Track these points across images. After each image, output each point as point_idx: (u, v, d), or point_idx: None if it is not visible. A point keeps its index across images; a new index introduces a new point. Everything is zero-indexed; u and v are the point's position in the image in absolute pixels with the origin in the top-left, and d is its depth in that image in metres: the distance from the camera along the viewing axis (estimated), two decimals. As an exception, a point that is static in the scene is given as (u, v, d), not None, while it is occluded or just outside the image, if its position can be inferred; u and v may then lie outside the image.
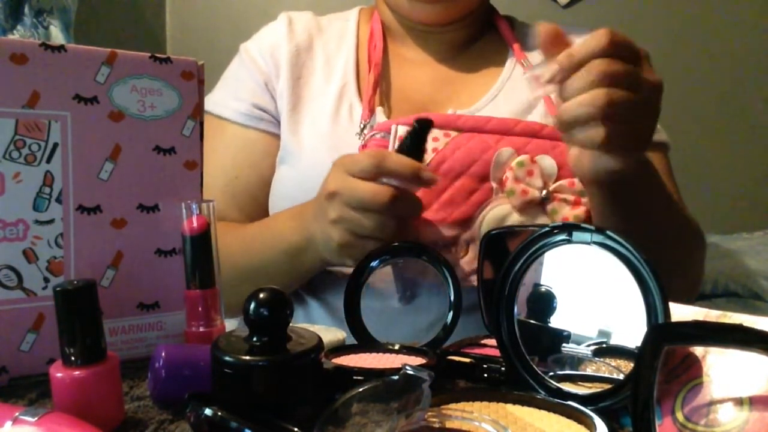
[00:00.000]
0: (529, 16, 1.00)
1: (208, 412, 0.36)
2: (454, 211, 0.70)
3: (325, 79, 0.85)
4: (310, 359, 0.41)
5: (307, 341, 0.42)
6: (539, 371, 0.46)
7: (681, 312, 0.42)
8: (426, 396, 0.37)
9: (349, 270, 0.58)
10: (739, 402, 0.35)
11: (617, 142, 0.55)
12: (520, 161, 0.70)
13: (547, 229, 0.46)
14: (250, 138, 0.85)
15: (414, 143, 0.63)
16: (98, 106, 0.53)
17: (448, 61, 0.87)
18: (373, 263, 0.57)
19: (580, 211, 0.70)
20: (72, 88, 0.52)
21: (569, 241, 0.46)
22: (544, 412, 0.42)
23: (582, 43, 0.54)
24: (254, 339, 0.41)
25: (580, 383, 0.45)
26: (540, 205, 0.71)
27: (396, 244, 0.59)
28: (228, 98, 0.86)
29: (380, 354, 0.52)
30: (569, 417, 0.41)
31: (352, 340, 0.56)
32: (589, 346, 0.47)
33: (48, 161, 0.51)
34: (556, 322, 0.49)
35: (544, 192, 0.71)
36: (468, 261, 0.70)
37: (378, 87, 0.82)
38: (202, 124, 0.58)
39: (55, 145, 0.51)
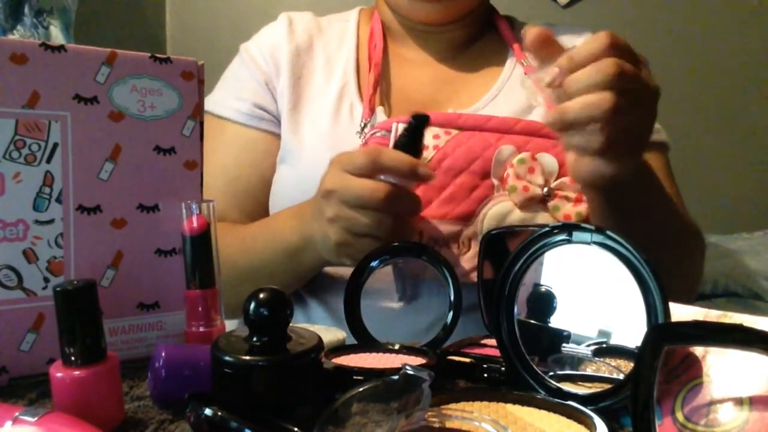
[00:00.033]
0: (529, 16, 1.00)
1: (208, 412, 0.36)
2: (455, 208, 0.70)
3: (325, 78, 0.85)
4: (310, 359, 0.41)
5: (307, 341, 0.42)
6: (539, 371, 0.46)
7: (681, 312, 0.42)
8: (426, 396, 0.37)
9: (349, 270, 0.58)
10: (739, 402, 0.35)
11: (614, 147, 0.55)
12: (521, 158, 0.71)
13: (547, 229, 0.46)
14: (252, 137, 0.85)
15: (411, 139, 0.62)
16: (98, 106, 0.53)
17: (448, 61, 0.87)
18: (373, 263, 0.57)
19: (582, 208, 0.70)
20: (72, 88, 0.52)
21: (569, 241, 0.46)
22: (544, 412, 0.42)
23: (583, 45, 0.54)
24: (254, 339, 0.41)
25: (580, 383, 0.45)
26: (541, 202, 0.71)
27: (396, 244, 0.59)
28: (229, 98, 0.86)
29: (380, 354, 0.52)
30: (569, 417, 0.41)
31: (352, 340, 0.56)
32: (589, 346, 0.47)
33: (48, 161, 0.51)
34: (556, 322, 0.49)
35: (545, 189, 0.71)
36: (470, 257, 0.70)
37: (378, 86, 0.82)
38: (202, 124, 0.58)
39: (55, 145, 0.51)
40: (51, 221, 0.51)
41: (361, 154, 0.60)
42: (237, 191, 0.85)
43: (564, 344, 0.48)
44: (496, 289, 0.48)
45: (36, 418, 0.37)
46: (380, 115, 0.79)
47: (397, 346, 0.53)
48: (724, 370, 0.36)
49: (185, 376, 0.45)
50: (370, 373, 0.45)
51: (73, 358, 0.41)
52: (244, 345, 0.41)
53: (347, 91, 0.83)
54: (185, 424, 0.43)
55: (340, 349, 0.53)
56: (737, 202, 1.83)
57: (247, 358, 0.40)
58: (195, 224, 0.53)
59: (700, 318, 0.41)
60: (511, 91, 0.83)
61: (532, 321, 0.49)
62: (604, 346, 0.46)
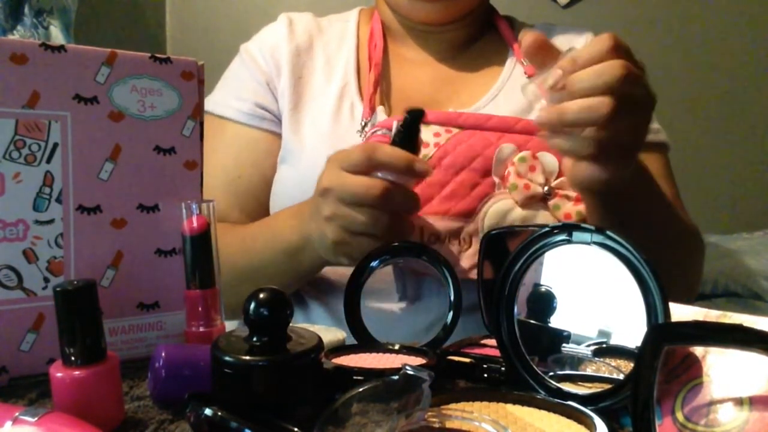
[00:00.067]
0: (529, 16, 1.00)
1: (208, 412, 0.36)
2: (456, 204, 0.70)
3: (325, 79, 0.85)
4: (310, 359, 0.41)
5: (307, 341, 0.42)
6: (539, 371, 0.46)
7: (681, 312, 0.42)
8: (426, 396, 0.37)
9: (349, 270, 0.57)
10: (739, 402, 0.35)
11: (606, 151, 0.55)
12: (521, 157, 0.71)
13: (547, 229, 0.47)
14: (253, 137, 0.85)
15: (407, 134, 0.61)
16: (98, 106, 0.53)
17: (449, 61, 0.87)
18: (373, 263, 0.57)
19: (583, 207, 0.70)
20: (72, 88, 0.52)
21: (569, 241, 0.46)
22: (544, 412, 0.42)
23: (586, 47, 0.54)
24: (254, 339, 0.41)
25: (580, 383, 0.45)
26: (542, 200, 0.71)
27: (396, 244, 0.59)
28: (229, 98, 0.86)
29: (380, 354, 0.52)
30: (569, 417, 0.41)
31: (352, 340, 0.56)
32: (589, 346, 0.47)
33: (48, 161, 0.51)
34: (556, 322, 0.49)
35: (546, 188, 0.71)
36: (471, 254, 0.70)
37: (378, 86, 0.82)
38: (202, 124, 0.58)
39: (55, 145, 0.51)
40: (51, 221, 0.51)
41: (357, 150, 0.60)
42: (238, 191, 0.85)
43: (564, 344, 0.48)
44: (496, 289, 0.48)
45: (36, 418, 0.37)
46: (381, 114, 0.79)
47: (397, 346, 0.53)
48: (724, 370, 0.36)
49: (185, 376, 0.45)
50: (370, 373, 0.45)
51: (73, 358, 0.41)
52: (244, 345, 0.41)
53: (348, 91, 0.83)
54: (185, 424, 0.43)
55: (340, 349, 0.53)
56: (737, 202, 1.83)
57: (247, 358, 0.40)
58: (195, 224, 0.53)
59: (700, 318, 0.41)
60: (511, 90, 0.83)
61: (532, 321, 0.49)
62: (604, 346, 0.46)
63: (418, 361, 0.49)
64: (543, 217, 0.71)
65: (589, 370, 0.46)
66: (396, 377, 0.38)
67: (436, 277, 0.58)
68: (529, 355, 0.47)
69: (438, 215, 0.70)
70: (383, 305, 0.74)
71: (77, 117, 0.52)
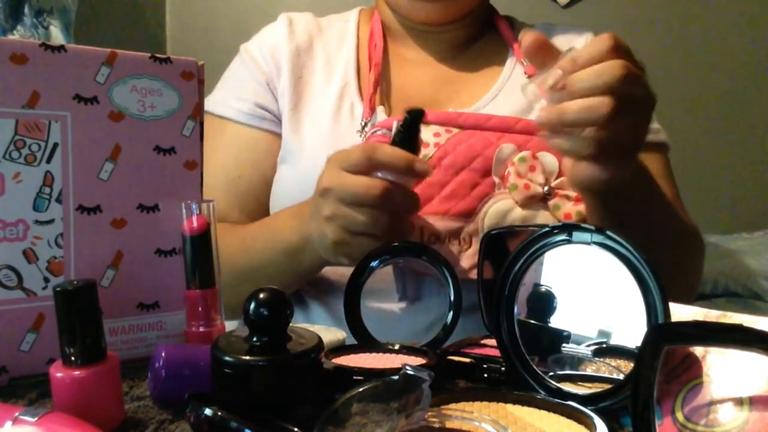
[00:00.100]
0: (529, 16, 1.00)
1: (208, 412, 0.36)
2: (456, 204, 0.70)
3: (325, 79, 0.85)
4: (310, 359, 0.41)
5: (307, 341, 0.42)
6: (539, 371, 0.46)
7: (681, 312, 0.42)
8: (426, 396, 0.37)
9: (349, 271, 0.57)
10: (739, 402, 0.35)
11: (606, 151, 0.55)
12: (521, 157, 0.71)
13: (547, 229, 0.47)
14: (253, 137, 0.85)
15: (406, 134, 0.61)
16: (98, 106, 0.53)
17: (449, 61, 0.87)
18: (373, 263, 0.57)
19: (583, 207, 0.70)
20: (72, 88, 0.52)
21: (569, 241, 0.46)
22: (544, 412, 0.42)
23: (586, 47, 0.54)
24: (254, 339, 0.41)
25: (580, 383, 0.45)
26: (542, 200, 0.71)
27: (396, 244, 0.59)
28: (229, 98, 0.86)
29: (380, 354, 0.52)
30: (569, 417, 0.41)
31: (352, 340, 0.56)
32: (589, 346, 0.47)
33: (48, 161, 0.51)
34: (556, 322, 0.49)
35: (546, 188, 0.71)
36: (471, 254, 0.70)
37: (378, 86, 0.82)
38: (202, 124, 0.58)
39: (55, 145, 0.51)
40: (51, 221, 0.51)
41: (357, 150, 0.60)
42: (238, 191, 0.85)
43: (564, 344, 0.48)
44: (496, 289, 0.48)
45: (36, 418, 0.37)
46: (381, 114, 0.79)
47: (397, 346, 0.53)
48: (724, 370, 0.36)
49: (185, 376, 0.45)
50: (370, 373, 0.45)
51: (73, 358, 0.41)
52: (244, 345, 0.41)
53: (348, 91, 0.83)
54: (185, 424, 0.43)
55: (340, 349, 0.53)
56: (737, 202, 1.83)
57: (247, 358, 0.40)
58: (195, 224, 0.53)
59: (700, 318, 0.41)
60: (511, 90, 0.83)
61: (532, 321, 0.49)
62: (604, 346, 0.46)
63: (418, 361, 0.49)
64: (543, 217, 0.71)
65: (589, 370, 0.46)
66: (396, 377, 0.38)
67: (436, 277, 0.58)
68: (529, 355, 0.47)
69: (438, 215, 0.70)
70: (383, 305, 0.74)
71: (77, 117, 0.52)
